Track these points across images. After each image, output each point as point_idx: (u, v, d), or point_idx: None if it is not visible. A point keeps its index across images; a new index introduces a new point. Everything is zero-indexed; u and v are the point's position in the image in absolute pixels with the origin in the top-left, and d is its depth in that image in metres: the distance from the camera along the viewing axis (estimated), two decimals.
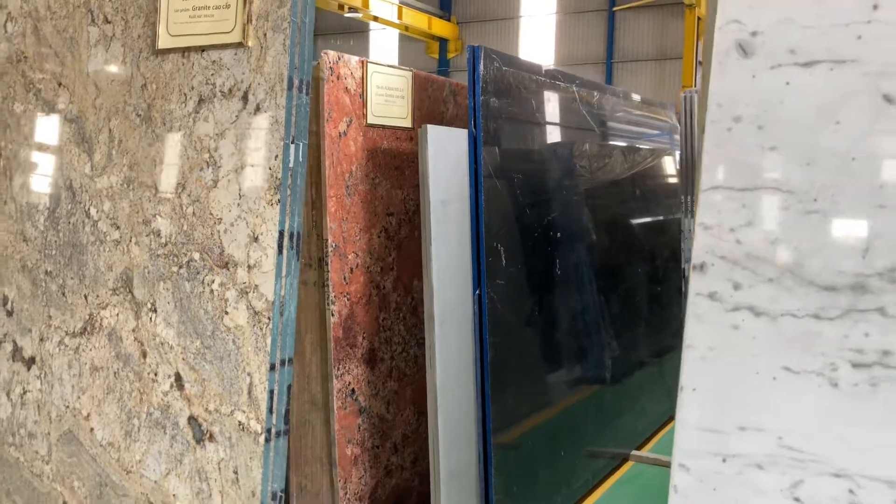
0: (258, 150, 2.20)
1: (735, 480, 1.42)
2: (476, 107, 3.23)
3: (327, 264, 3.06)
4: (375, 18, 22.08)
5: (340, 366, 3.14)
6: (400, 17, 22.45)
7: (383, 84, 3.33)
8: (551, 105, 3.80)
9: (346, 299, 3.15)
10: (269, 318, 2.18)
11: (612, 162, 4.40)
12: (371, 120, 3.26)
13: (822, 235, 1.34)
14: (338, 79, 3.09)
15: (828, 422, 1.34)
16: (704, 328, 1.44)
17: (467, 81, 3.27)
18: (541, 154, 3.77)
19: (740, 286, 1.40)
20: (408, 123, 3.50)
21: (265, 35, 2.20)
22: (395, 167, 3.44)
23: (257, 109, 2.21)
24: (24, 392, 2.70)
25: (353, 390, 3.21)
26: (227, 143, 2.26)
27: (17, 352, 2.72)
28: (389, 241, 3.42)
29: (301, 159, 2.23)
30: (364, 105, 3.22)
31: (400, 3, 22.20)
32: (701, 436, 1.44)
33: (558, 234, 3.80)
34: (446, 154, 3.15)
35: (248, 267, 2.22)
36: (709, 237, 1.43)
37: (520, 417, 3.43)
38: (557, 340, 3.77)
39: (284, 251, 2.20)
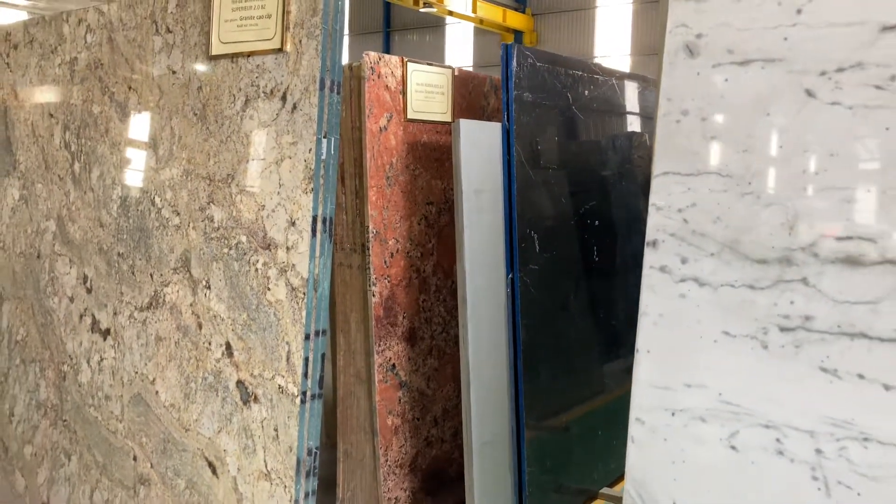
0: (294, 143, 2.47)
1: (682, 432, 1.60)
2: (509, 101, 3.43)
3: (368, 249, 3.33)
4: (450, 12, 22.30)
5: (381, 342, 3.41)
6: (475, 10, 22.61)
7: (423, 81, 3.57)
8: (587, 98, 3.96)
9: (386, 281, 3.41)
10: (304, 294, 2.46)
11: (650, 153, 4.52)
12: (411, 115, 3.51)
13: (755, 215, 1.51)
14: (378, 77, 3.35)
15: (759, 379, 1.51)
16: (656, 297, 1.63)
17: (501, 77, 3.48)
18: (576, 146, 3.94)
19: (687, 260, 1.59)
20: (448, 118, 3.73)
21: (300, 41, 2.47)
22: (435, 159, 3.68)
23: (294, 108, 2.48)
24: (101, 360, 3.07)
25: (393, 365, 3.47)
26: (268, 139, 2.54)
27: (95, 324, 3.09)
28: (429, 229, 3.66)
29: (333, 152, 2.50)
30: (404, 101, 3.47)
31: None
32: (654, 392, 1.63)
33: (596, 223, 3.96)
34: (479, 146, 3.37)
35: (287, 248, 2.49)
36: (660, 217, 1.62)
37: (552, 395, 3.62)
38: (590, 324, 3.94)
39: (318, 234, 2.47)
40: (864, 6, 1.40)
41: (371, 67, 3.31)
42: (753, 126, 1.49)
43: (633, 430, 1.65)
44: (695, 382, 1.57)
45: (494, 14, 23.48)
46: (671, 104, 1.59)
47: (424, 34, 28.18)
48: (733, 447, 1.53)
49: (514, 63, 3.43)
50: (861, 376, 1.41)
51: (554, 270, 3.64)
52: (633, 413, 1.65)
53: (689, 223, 1.57)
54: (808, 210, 1.45)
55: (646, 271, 1.63)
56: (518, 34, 25.51)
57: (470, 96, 3.90)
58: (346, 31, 30.14)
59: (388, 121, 3.39)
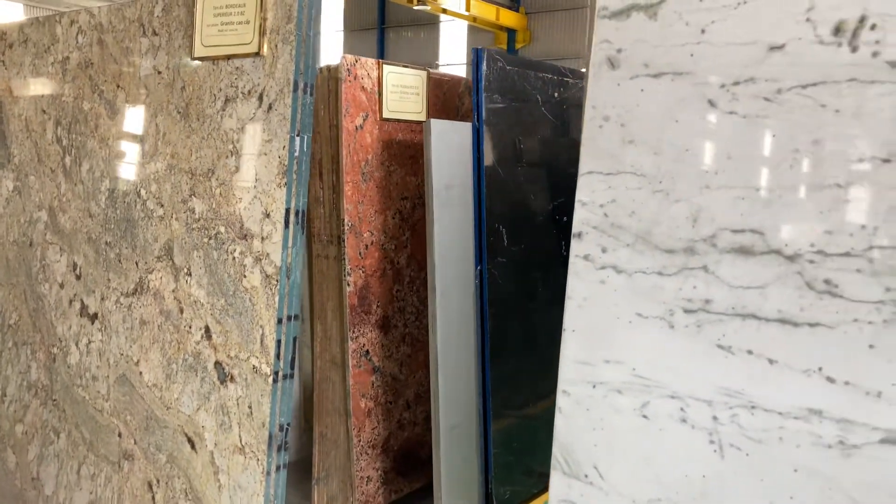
0: (270, 141, 2.66)
1: (601, 402, 1.80)
2: (479, 102, 3.62)
3: (344, 241, 3.52)
4: (444, 10, 22.47)
5: (356, 329, 3.61)
6: (468, 8, 22.78)
7: (398, 83, 3.76)
8: (557, 100, 4.16)
9: (361, 272, 3.61)
10: (277, 281, 2.65)
11: None
12: (386, 115, 3.70)
13: (664, 210, 1.71)
14: (355, 79, 3.54)
15: (666, 356, 1.71)
16: (580, 283, 1.82)
17: (472, 80, 3.67)
18: (545, 145, 4.13)
19: (606, 250, 1.78)
20: (422, 117, 3.92)
21: (276, 46, 2.66)
22: (410, 156, 3.87)
23: (270, 108, 2.67)
24: (89, 342, 3.26)
25: (367, 351, 3.67)
26: (246, 136, 2.73)
27: (83, 309, 3.28)
28: (404, 222, 3.86)
29: (305, 149, 2.68)
30: (380, 101, 3.66)
31: None
32: (578, 367, 1.83)
33: (564, 219, 4.16)
34: (450, 145, 3.57)
35: (262, 238, 2.68)
36: (584, 211, 1.81)
37: (517, 381, 3.82)
38: (556, 314, 4.14)
39: (291, 225, 2.66)
40: (756, 28, 1.60)
41: (347, 69, 3.49)
42: (663, 131, 1.68)
43: (560, 401, 1.85)
44: (612, 358, 1.76)
45: (488, 12, 23.67)
46: (595, 111, 1.78)
47: (419, 31, 28.35)
48: (644, 416, 1.73)
49: (484, 66, 3.62)
50: (750, 352, 1.61)
51: (522, 263, 3.83)
52: (560, 386, 1.85)
53: (609, 217, 1.77)
54: (709, 206, 1.65)
55: (572, 259, 1.82)
56: (511, 32, 25.71)
57: (445, 97, 4.09)
58: (342, 27, 30.40)
59: (364, 120, 3.58)
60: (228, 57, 2.78)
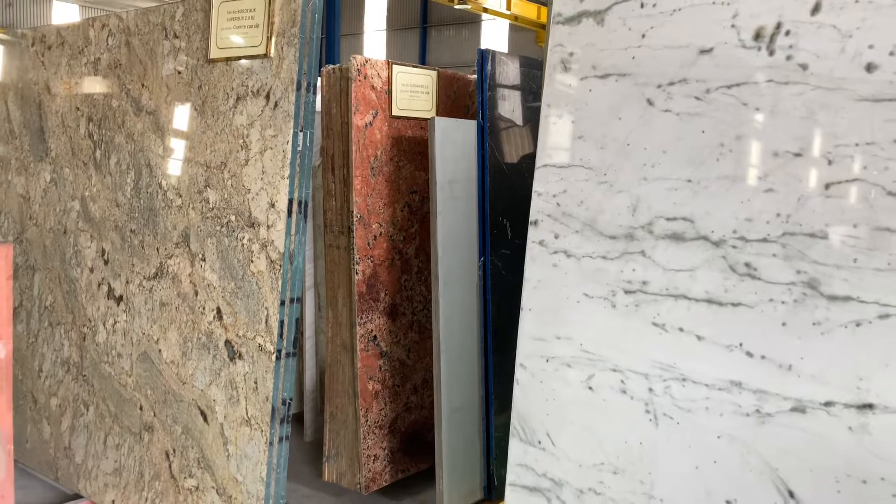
0: (275, 136, 2.87)
1: (553, 375, 1.97)
2: (483, 101, 3.80)
3: (353, 232, 3.73)
4: (485, 9, 22.57)
5: (363, 315, 3.81)
6: (509, 7, 22.85)
7: (408, 82, 3.95)
8: None
9: (369, 261, 3.81)
10: (280, 266, 2.86)
11: None
12: (396, 112, 3.89)
13: (609, 199, 1.87)
14: (364, 78, 3.74)
15: (609, 333, 1.87)
16: (536, 266, 1.99)
17: (476, 80, 3.84)
18: None
19: (558, 236, 1.95)
20: (432, 115, 4.10)
21: (282, 48, 2.87)
22: (419, 152, 4.06)
23: (276, 105, 2.88)
24: (115, 322, 3.52)
25: (374, 336, 3.87)
26: (255, 132, 2.95)
27: (110, 291, 3.54)
28: (412, 215, 4.05)
29: (308, 144, 2.89)
30: (389, 100, 3.86)
31: None
32: (533, 343, 2.00)
33: None
34: (454, 141, 3.74)
35: (267, 226, 2.90)
36: (540, 201, 1.98)
37: None
38: None
39: (293, 215, 2.87)
40: (688, 33, 1.75)
41: (358, 69, 3.70)
42: (608, 128, 1.85)
43: (518, 374, 2.02)
44: (563, 335, 1.93)
45: (529, 11, 23.71)
46: (550, 109, 1.95)
47: (461, 30, 28.54)
48: (590, 387, 1.89)
49: (489, 66, 3.79)
50: (681, 329, 1.77)
51: (525, 255, 3.99)
52: (518, 360, 2.02)
53: (561, 206, 1.93)
54: (646, 196, 1.81)
55: (529, 245, 1.99)
56: None
57: (455, 95, 4.27)
58: (384, 26, 30.75)
59: (374, 117, 3.78)
60: (240, 58, 3.00)
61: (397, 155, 3.92)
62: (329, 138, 3.86)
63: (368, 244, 3.79)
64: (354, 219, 3.72)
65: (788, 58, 1.62)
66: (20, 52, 4.04)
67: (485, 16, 26.12)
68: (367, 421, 3.85)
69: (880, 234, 1.54)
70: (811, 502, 1.61)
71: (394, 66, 3.85)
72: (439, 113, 4.13)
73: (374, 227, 3.82)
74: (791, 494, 1.64)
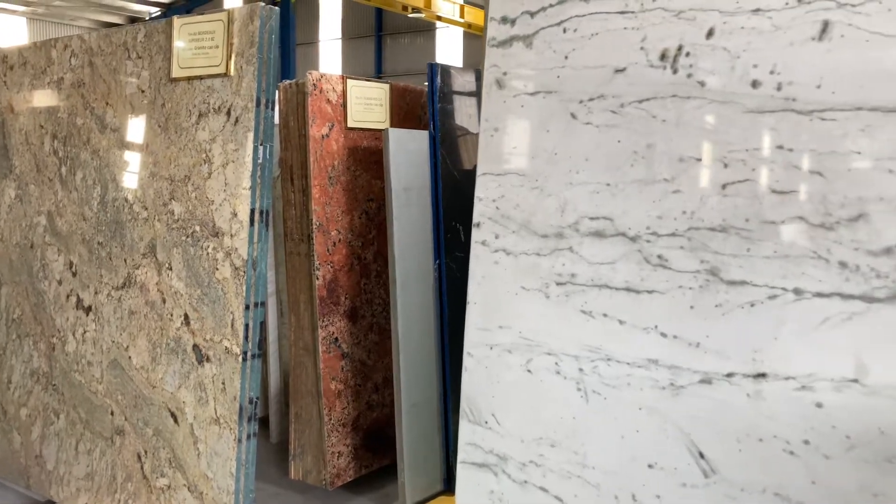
0: (237, 150, 3.05)
1: (497, 361, 2.19)
2: (434, 112, 4.02)
3: (312, 239, 3.92)
4: (439, 18, 22.86)
5: (325, 319, 4.00)
6: (462, 15, 23.16)
7: (362, 95, 4.16)
8: None
9: (329, 267, 4.00)
10: (244, 273, 3.04)
11: None
12: (351, 124, 4.09)
13: (540, 203, 2.10)
14: (320, 92, 3.94)
15: (544, 320, 2.10)
16: (479, 264, 2.21)
17: (427, 92, 4.06)
18: None
19: (498, 236, 2.17)
20: (387, 126, 4.31)
21: (241, 67, 3.06)
22: (375, 161, 4.26)
23: (236, 121, 3.07)
24: (84, 332, 3.66)
25: (336, 339, 4.06)
26: (217, 146, 3.12)
27: (79, 302, 3.68)
28: (370, 222, 4.25)
29: (268, 157, 3.08)
30: (345, 112, 4.06)
31: (463, 2, 22.93)
32: (479, 333, 2.22)
33: None
34: (408, 150, 3.96)
35: (231, 235, 3.08)
36: (482, 205, 2.20)
37: None
38: None
39: (255, 224, 3.05)
40: (605, 55, 1.99)
41: (314, 84, 3.89)
42: (538, 139, 2.08)
43: (466, 361, 2.24)
44: (504, 324, 2.16)
45: (482, 19, 24.03)
46: (488, 123, 2.17)
47: (416, 38, 28.80)
48: (529, 371, 2.12)
49: (439, 79, 4.01)
50: (605, 315, 2.00)
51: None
52: (466, 349, 2.24)
53: (500, 209, 2.16)
54: (572, 198, 2.04)
55: (472, 245, 2.21)
56: None
57: (408, 107, 4.48)
58: (339, 35, 30.88)
59: (330, 129, 3.98)
60: (201, 77, 3.18)
61: (354, 165, 4.12)
62: (287, 150, 4.05)
63: (328, 250, 3.98)
64: (314, 226, 3.91)
65: (689, 76, 1.87)
66: None
67: (439, 24, 26.42)
68: (330, 419, 4.04)
69: (767, 226, 1.79)
70: (718, 461, 1.85)
71: (348, 80, 4.06)
72: (393, 124, 4.34)
73: (332, 233, 4.01)
74: (701, 455, 1.88)
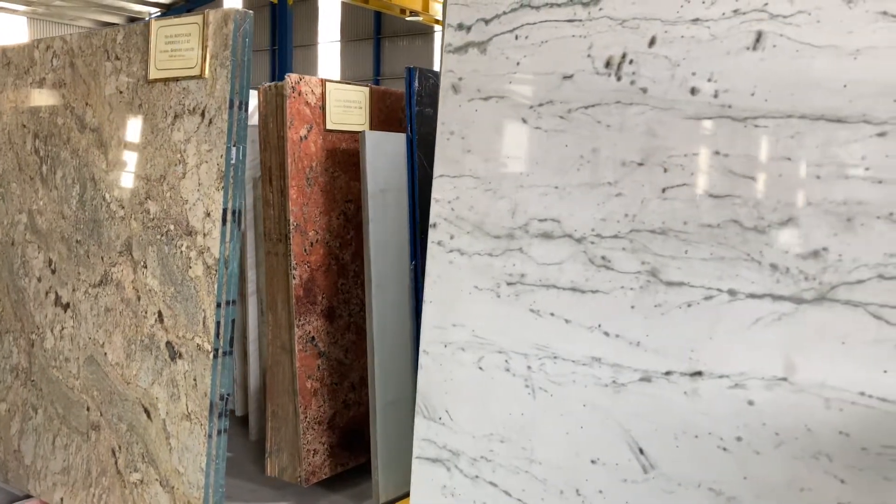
0: (210, 151, 3.11)
1: (451, 358, 2.25)
2: (412, 116, 4.08)
3: (289, 239, 3.97)
4: (437, 21, 22.98)
5: (302, 318, 4.05)
6: None
7: (342, 98, 4.22)
8: None
9: (307, 266, 4.06)
10: (216, 271, 3.10)
11: None
12: (330, 126, 4.15)
13: (493, 204, 2.15)
14: (299, 95, 3.99)
15: (495, 319, 2.15)
16: (435, 263, 2.27)
17: (405, 95, 4.12)
18: None
19: (453, 237, 2.23)
20: (366, 128, 4.37)
21: (216, 70, 3.12)
22: (354, 164, 4.32)
23: (210, 122, 3.13)
24: (62, 328, 3.71)
25: (312, 338, 4.11)
26: (191, 147, 3.18)
27: (57, 299, 3.73)
28: (348, 222, 4.31)
29: (241, 157, 3.14)
30: (323, 115, 4.12)
31: None
32: (433, 331, 2.27)
33: None
34: (385, 153, 4.02)
35: (204, 234, 3.14)
36: (438, 206, 2.26)
37: None
38: None
39: (227, 223, 3.11)
40: (553, 62, 2.05)
41: (292, 87, 3.95)
42: (491, 143, 2.14)
43: (422, 359, 2.29)
44: (458, 323, 2.21)
45: None
46: (444, 126, 2.23)
47: (414, 40, 28.87)
48: (481, 368, 2.17)
49: (416, 83, 4.07)
50: (552, 314, 2.06)
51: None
52: (422, 346, 2.29)
53: (455, 210, 2.22)
54: (523, 201, 2.10)
55: (429, 245, 2.27)
56: None
57: (388, 110, 4.54)
58: (339, 38, 30.97)
59: (309, 131, 4.04)
60: (177, 79, 3.24)
61: (332, 166, 4.18)
62: (267, 151, 4.10)
63: (305, 250, 4.04)
64: (291, 227, 3.96)
65: (632, 83, 1.93)
66: None
67: (437, 27, 26.50)
68: (306, 417, 4.09)
69: (704, 229, 1.85)
70: (656, 456, 1.91)
71: (327, 83, 4.11)
72: (373, 126, 4.40)
73: (310, 234, 4.06)
74: (641, 451, 1.93)
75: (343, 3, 29.54)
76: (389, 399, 4.03)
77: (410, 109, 4.09)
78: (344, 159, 4.25)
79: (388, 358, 4.01)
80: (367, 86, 4.39)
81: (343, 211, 4.26)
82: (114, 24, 30.58)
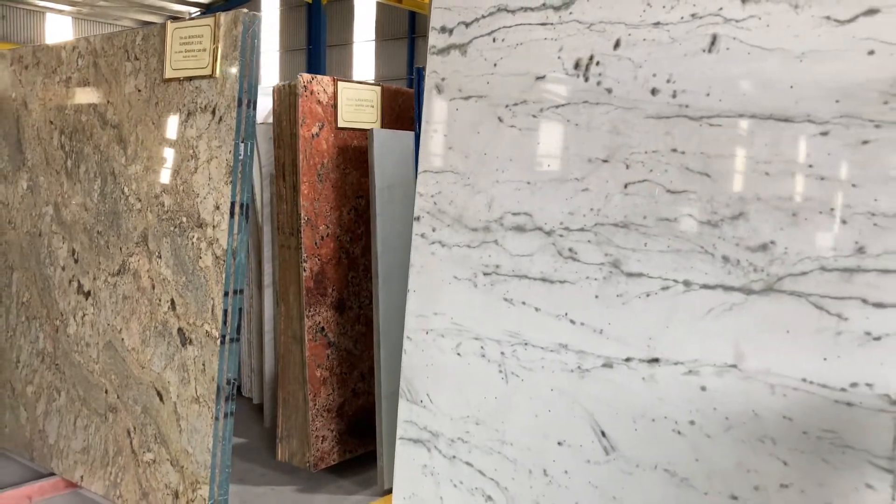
0: (220, 147, 3.27)
1: (432, 345, 2.37)
2: (420, 113, 4.20)
3: (301, 233, 4.13)
4: None
5: (311, 309, 4.20)
6: None
7: (353, 97, 4.36)
8: None
9: (317, 259, 4.21)
10: (224, 261, 3.26)
11: None
12: (341, 124, 4.29)
13: (471, 199, 2.27)
14: (311, 94, 4.14)
15: (472, 307, 2.27)
16: (418, 254, 2.39)
17: (414, 94, 4.24)
18: None
19: (435, 229, 2.35)
20: (377, 126, 4.51)
21: (225, 70, 3.27)
22: (365, 160, 4.46)
23: (220, 120, 3.28)
24: (84, 315, 3.91)
25: (322, 328, 4.26)
26: (203, 143, 3.34)
27: (80, 287, 3.93)
28: (359, 217, 4.45)
29: (249, 153, 3.29)
30: (335, 113, 4.26)
31: None
32: (417, 319, 2.40)
33: None
34: (392, 150, 4.15)
35: (213, 226, 3.29)
36: (421, 200, 2.38)
37: None
38: None
39: (235, 216, 3.27)
40: (528, 63, 2.15)
41: (304, 86, 4.10)
42: (470, 140, 2.25)
43: (405, 344, 2.42)
44: (439, 311, 2.33)
45: None
46: (428, 125, 2.35)
47: None
48: (459, 354, 2.29)
49: (423, 82, 4.19)
50: (524, 303, 2.16)
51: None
52: (406, 333, 2.42)
53: (437, 204, 2.34)
54: (498, 195, 2.21)
55: (413, 237, 2.39)
56: None
57: (400, 108, 4.67)
58: (373, 37, 31.24)
59: (320, 129, 4.18)
60: (190, 78, 3.40)
61: (343, 163, 4.32)
62: (280, 148, 4.26)
63: (316, 244, 4.18)
64: (302, 221, 4.11)
65: (598, 83, 2.03)
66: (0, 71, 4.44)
67: None
68: (315, 405, 4.24)
69: (663, 223, 1.94)
70: (616, 438, 2.01)
71: (339, 82, 4.26)
72: (385, 125, 4.53)
73: (321, 228, 4.21)
74: (603, 434, 2.03)
75: (378, 3, 29.80)
76: (394, 388, 4.15)
77: (418, 107, 4.21)
78: (355, 156, 4.39)
79: (393, 349, 4.14)
80: (378, 85, 4.52)
81: (354, 206, 4.40)
82: (155, 23, 31.21)
